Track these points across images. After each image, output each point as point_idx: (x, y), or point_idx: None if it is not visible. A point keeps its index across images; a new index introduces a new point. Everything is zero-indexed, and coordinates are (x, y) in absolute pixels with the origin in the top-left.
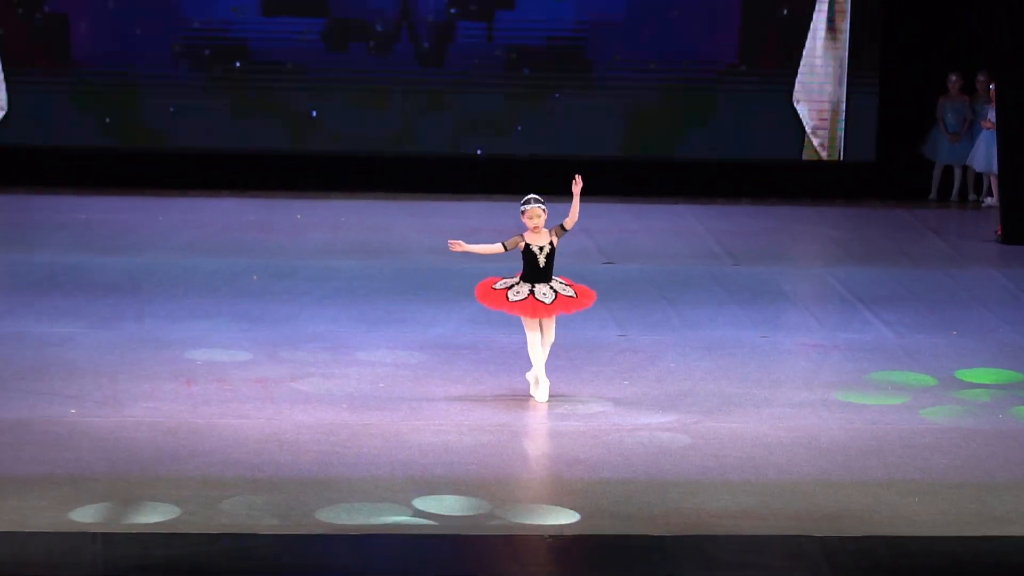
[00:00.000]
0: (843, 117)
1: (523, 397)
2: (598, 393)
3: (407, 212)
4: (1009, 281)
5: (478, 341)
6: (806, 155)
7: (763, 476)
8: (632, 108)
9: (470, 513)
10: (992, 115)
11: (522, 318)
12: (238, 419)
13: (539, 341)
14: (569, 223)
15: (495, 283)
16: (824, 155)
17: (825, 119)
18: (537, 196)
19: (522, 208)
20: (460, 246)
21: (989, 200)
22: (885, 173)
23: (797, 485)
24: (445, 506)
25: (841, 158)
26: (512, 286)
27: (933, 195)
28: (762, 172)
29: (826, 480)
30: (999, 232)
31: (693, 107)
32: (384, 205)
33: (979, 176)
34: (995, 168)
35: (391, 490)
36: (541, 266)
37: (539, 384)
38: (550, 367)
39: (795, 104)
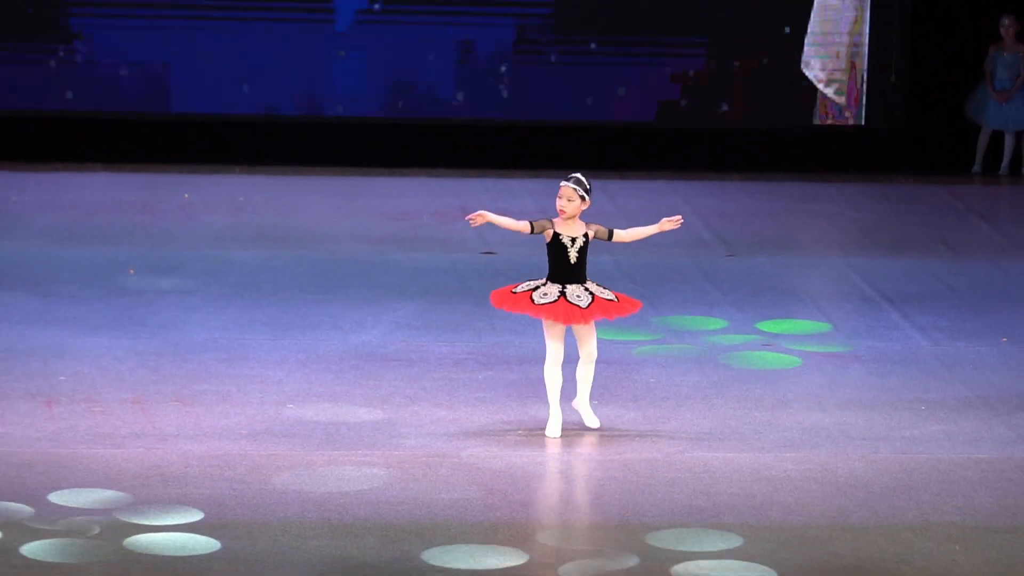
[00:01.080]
0: (865, 70)
1: (466, 421)
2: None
3: (324, 190)
4: None
5: (411, 351)
6: (819, 118)
7: (766, 518)
8: (603, 66)
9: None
10: None
11: (544, 328)
12: (111, 448)
13: (560, 359)
14: (620, 236)
15: (516, 287)
16: (841, 101)
17: (842, 74)
18: (580, 176)
19: (561, 184)
20: (482, 217)
21: None
22: (917, 141)
23: (808, 529)
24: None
25: (863, 122)
26: (538, 287)
27: (978, 168)
28: (764, 140)
29: (844, 523)
30: None
31: (677, 63)
32: (295, 182)
33: None
34: None
35: (302, 537)
36: (572, 262)
37: (550, 415)
38: (500, 384)
39: (803, 68)
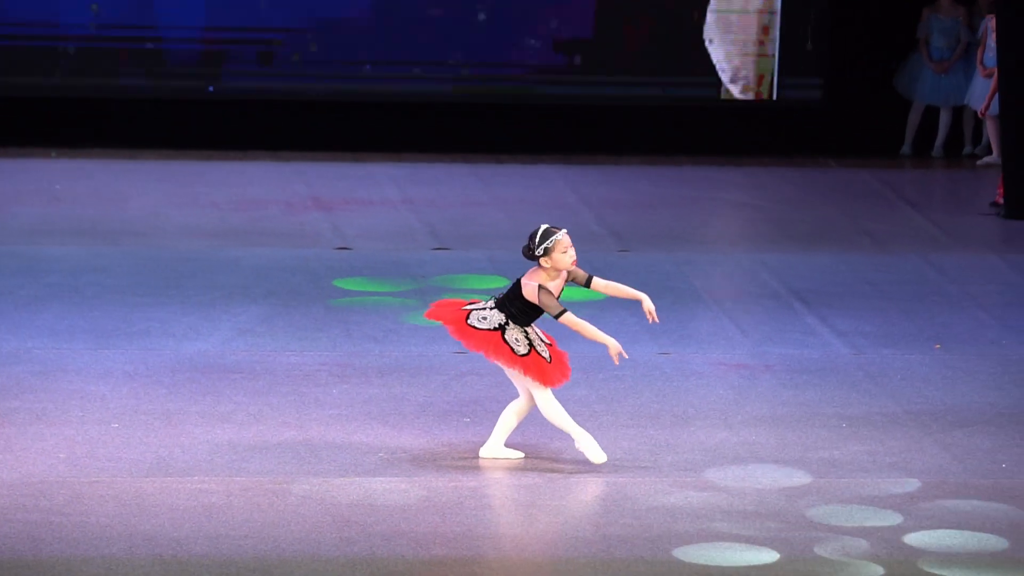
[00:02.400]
0: (777, 39)
1: (318, 442)
2: (424, 437)
3: (155, 176)
4: (1015, 271)
5: (256, 362)
6: (725, 93)
7: (663, 553)
8: (470, 27)
9: None
10: (992, 53)
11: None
12: None
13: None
14: (598, 285)
15: (467, 315)
16: (748, 97)
17: (751, 54)
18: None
19: (549, 244)
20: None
21: (989, 157)
22: (838, 118)
23: (703, 569)
24: None
25: (775, 96)
26: (516, 338)
27: (907, 149)
28: (663, 117)
29: (758, 562)
30: (999, 200)
31: (559, 25)
32: (121, 167)
33: (978, 122)
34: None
35: None
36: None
37: (588, 443)
38: (358, 400)
39: (707, 45)
